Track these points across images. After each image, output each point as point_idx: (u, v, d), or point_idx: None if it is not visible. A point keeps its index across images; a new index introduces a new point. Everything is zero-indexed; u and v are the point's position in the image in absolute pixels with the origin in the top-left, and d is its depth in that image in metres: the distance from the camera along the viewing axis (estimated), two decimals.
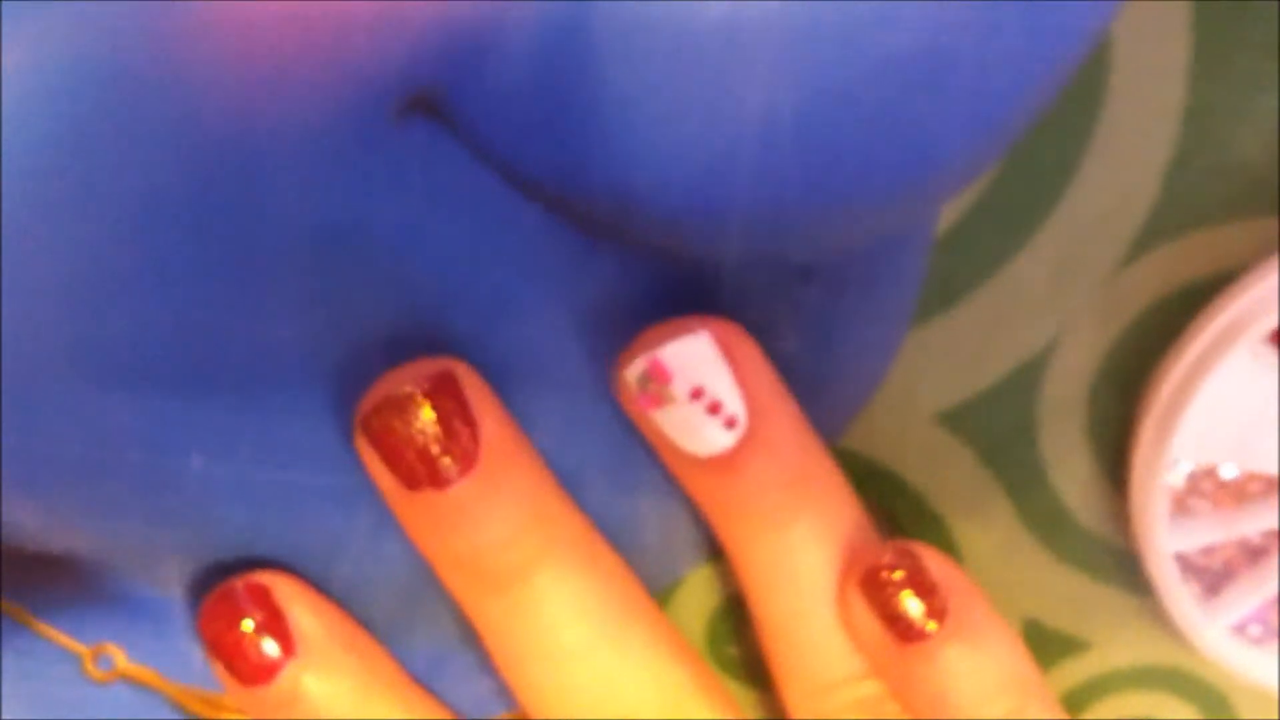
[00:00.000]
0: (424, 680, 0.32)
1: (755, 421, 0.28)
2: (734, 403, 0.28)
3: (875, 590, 0.29)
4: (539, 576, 0.28)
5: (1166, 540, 0.32)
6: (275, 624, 0.29)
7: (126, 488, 0.28)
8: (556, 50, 0.23)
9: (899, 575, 0.28)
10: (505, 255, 0.27)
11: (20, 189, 0.23)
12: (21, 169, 0.23)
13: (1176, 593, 0.32)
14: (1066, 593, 0.35)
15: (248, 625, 0.29)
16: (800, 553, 0.29)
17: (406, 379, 0.27)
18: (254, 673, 0.29)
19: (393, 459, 0.27)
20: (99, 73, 0.22)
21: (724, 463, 0.28)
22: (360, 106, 0.24)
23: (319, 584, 0.30)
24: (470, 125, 0.25)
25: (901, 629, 0.28)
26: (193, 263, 0.25)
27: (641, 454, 0.30)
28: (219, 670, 0.29)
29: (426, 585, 0.30)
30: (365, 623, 0.31)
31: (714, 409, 0.28)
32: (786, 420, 0.29)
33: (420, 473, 0.27)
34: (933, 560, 0.29)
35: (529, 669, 0.29)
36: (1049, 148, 0.30)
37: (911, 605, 0.28)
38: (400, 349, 0.27)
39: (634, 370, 0.28)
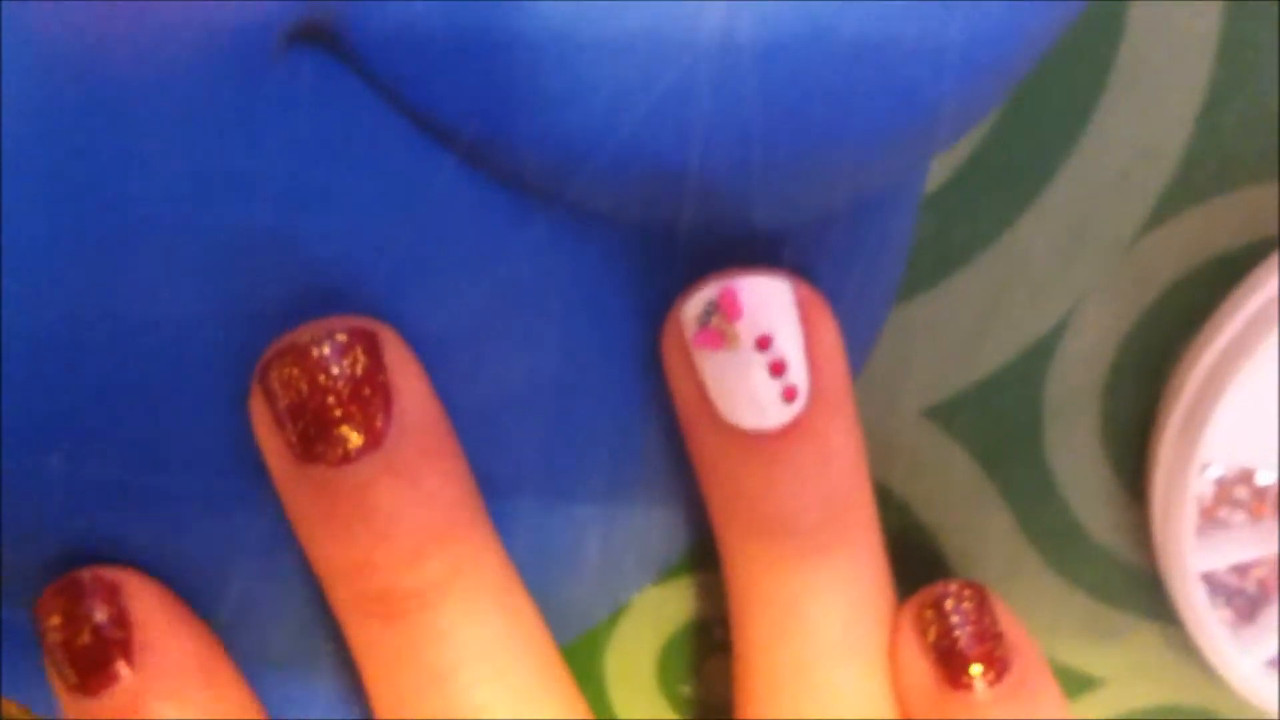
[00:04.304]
0: None
1: (816, 405, 0.27)
2: (799, 370, 0.27)
3: (933, 623, 0.29)
4: (443, 608, 0.27)
5: (1193, 557, 0.32)
6: (118, 628, 0.28)
7: None
8: None
9: (966, 607, 0.29)
10: (417, 215, 0.26)
11: None
12: None
13: (1204, 619, 0.32)
14: (1077, 620, 0.35)
15: (86, 622, 0.28)
16: (825, 594, 0.29)
17: (320, 329, 0.26)
18: (86, 680, 0.28)
19: (286, 418, 0.26)
20: None
21: (767, 444, 0.27)
22: (240, 34, 0.23)
23: (205, 605, 0.29)
24: (368, 58, 0.24)
25: (953, 671, 0.29)
26: (49, 230, 0.24)
27: (581, 456, 0.30)
28: (51, 674, 0.28)
29: (330, 610, 0.29)
30: (259, 652, 0.30)
31: (777, 369, 0.27)
32: (848, 420, 0.28)
33: (314, 441, 0.25)
34: (1001, 609, 0.29)
35: (410, 715, 0.28)
36: (1058, 91, 0.30)
37: (970, 647, 0.29)
38: (297, 324, 0.26)
39: (700, 299, 0.27)
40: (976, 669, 0.28)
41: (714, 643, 0.35)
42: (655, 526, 0.32)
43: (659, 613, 0.34)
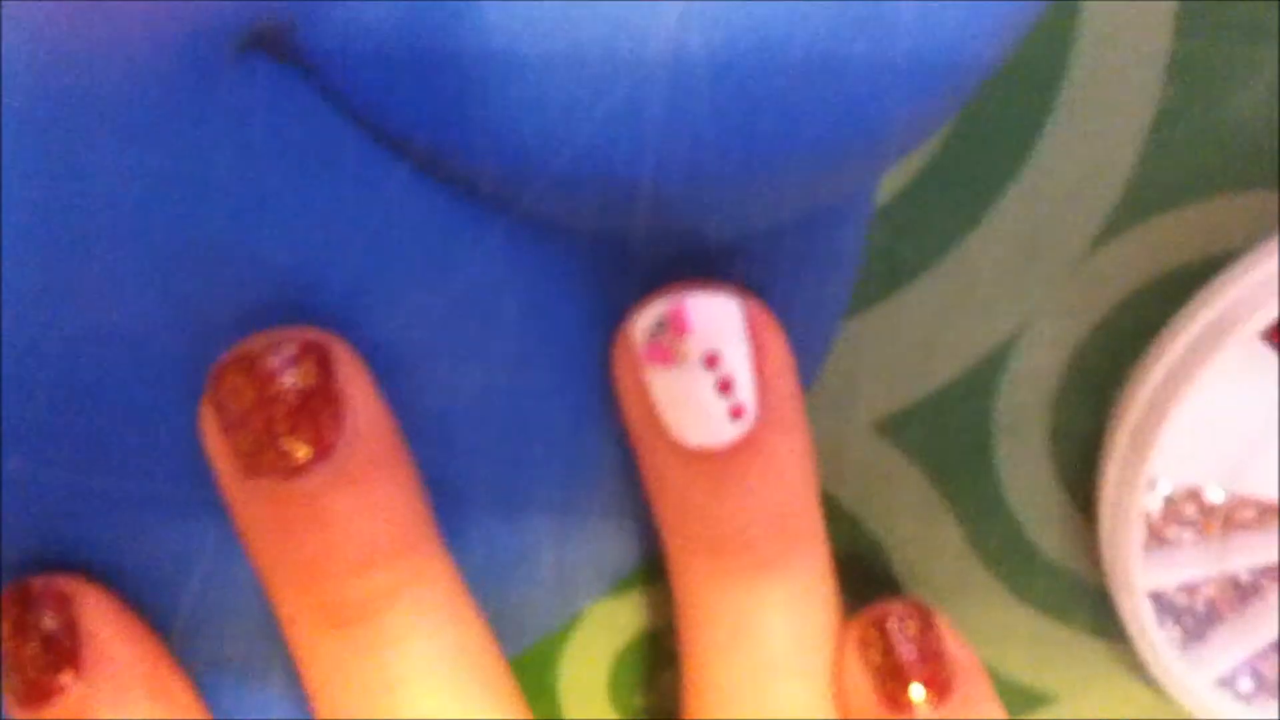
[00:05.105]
0: None
1: (765, 423, 0.27)
2: (746, 388, 0.27)
3: (876, 643, 0.29)
4: (390, 618, 0.27)
5: (1141, 576, 0.31)
6: (68, 640, 0.27)
7: None
8: None
9: (910, 627, 0.29)
10: (371, 224, 0.26)
11: None
12: None
13: (1153, 638, 0.32)
14: (1026, 636, 0.34)
15: (35, 632, 0.27)
16: (773, 610, 0.28)
17: (269, 341, 0.25)
18: (33, 691, 0.27)
19: (234, 430, 0.25)
20: None
21: (715, 461, 0.27)
22: (193, 41, 0.23)
23: (159, 611, 0.29)
24: (320, 66, 0.24)
25: (894, 692, 0.29)
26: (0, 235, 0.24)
27: (535, 466, 0.29)
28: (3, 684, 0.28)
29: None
30: (214, 661, 0.30)
31: (724, 387, 0.27)
32: (797, 438, 0.28)
33: (262, 452, 0.25)
34: (946, 629, 0.29)
35: None
36: (1008, 105, 0.29)
37: (911, 668, 0.29)
38: (250, 332, 0.26)
39: (649, 315, 0.27)
40: (918, 691, 0.29)
41: (667, 654, 0.34)
42: (609, 537, 0.31)
43: (612, 624, 0.34)
